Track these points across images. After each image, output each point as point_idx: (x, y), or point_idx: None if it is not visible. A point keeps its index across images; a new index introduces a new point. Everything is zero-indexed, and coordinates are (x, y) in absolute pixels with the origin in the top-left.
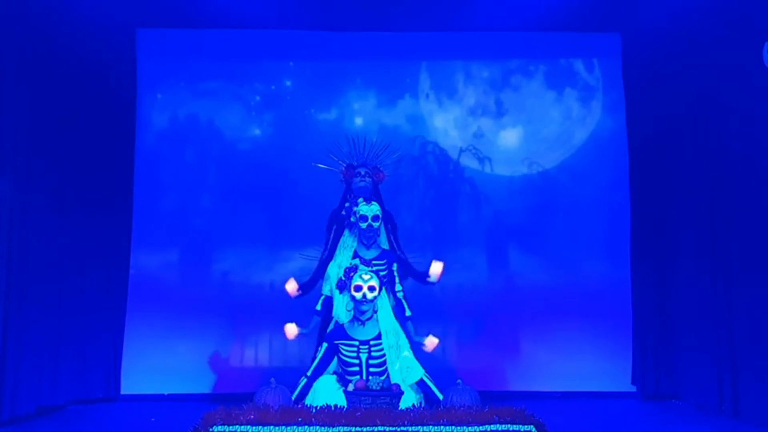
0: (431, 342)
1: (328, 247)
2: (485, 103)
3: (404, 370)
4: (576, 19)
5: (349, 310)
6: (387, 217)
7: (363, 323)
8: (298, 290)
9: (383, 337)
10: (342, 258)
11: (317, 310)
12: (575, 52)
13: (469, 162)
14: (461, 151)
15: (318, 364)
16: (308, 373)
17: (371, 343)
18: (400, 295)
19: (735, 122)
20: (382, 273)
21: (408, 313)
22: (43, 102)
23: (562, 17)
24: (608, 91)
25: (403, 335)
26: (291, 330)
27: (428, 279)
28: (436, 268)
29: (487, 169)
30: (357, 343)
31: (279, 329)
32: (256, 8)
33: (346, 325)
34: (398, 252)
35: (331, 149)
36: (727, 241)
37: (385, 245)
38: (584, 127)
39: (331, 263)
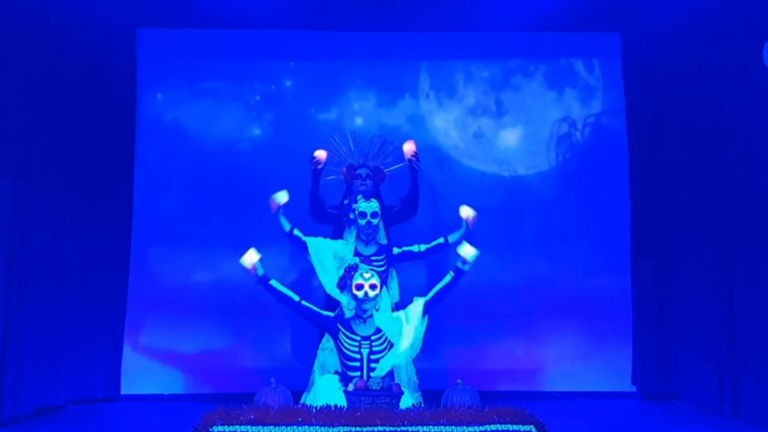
0: (466, 212)
1: (327, 209)
2: (485, 103)
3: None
4: (576, 19)
5: (350, 309)
6: (387, 214)
7: (365, 321)
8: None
9: (383, 329)
10: (341, 250)
11: (293, 228)
12: (575, 52)
13: (470, 162)
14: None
15: (313, 309)
16: (303, 301)
17: (372, 338)
18: (423, 247)
19: (735, 122)
20: (381, 269)
21: (442, 240)
22: (44, 102)
23: (562, 17)
24: (608, 91)
25: (395, 318)
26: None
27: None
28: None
29: (487, 169)
30: (359, 338)
31: (280, 329)
32: (256, 8)
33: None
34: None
35: (331, 151)
36: (727, 241)
37: (384, 241)
38: (584, 127)
39: (328, 239)
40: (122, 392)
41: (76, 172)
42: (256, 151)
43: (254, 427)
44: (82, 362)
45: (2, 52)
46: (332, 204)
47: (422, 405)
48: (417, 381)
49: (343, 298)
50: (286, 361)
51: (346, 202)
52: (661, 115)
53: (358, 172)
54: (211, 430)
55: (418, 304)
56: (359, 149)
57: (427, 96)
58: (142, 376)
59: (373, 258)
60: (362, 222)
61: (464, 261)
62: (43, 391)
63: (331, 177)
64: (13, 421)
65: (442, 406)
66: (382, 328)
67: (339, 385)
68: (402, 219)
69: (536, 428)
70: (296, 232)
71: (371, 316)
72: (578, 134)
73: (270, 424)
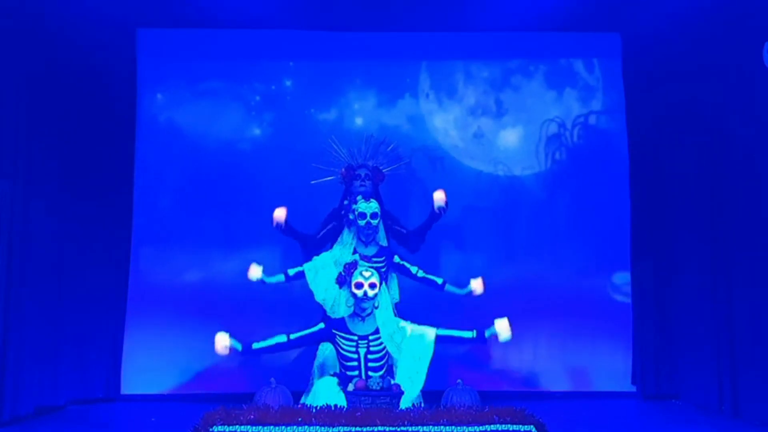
0: (477, 285)
1: (322, 233)
2: (485, 103)
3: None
4: (576, 19)
5: (349, 306)
6: (387, 216)
7: (363, 319)
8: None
9: (381, 330)
10: (341, 255)
11: (287, 273)
12: (575, 52)
13: (470, 162)
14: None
15: (305, 335)
16: (291, 336)
17: (370, 337)
18: (421, 273)
19: (735, 122)
20: (382, 270)
21: (439, 281)
22: (44, 102)
23: (562, 17)
24: (608, 91)
25: (399, 327)
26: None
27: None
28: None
29: (485, 168)
30: (356, 338)
31: (280, 330)
32: (256, 8)
33: (346, 319)
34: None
35: (330, 152)
36: (727, 241)
37: (384, 242)
38: (584, 127)
39: (324, 253)
40: (122, 392)
41: (75, 172)
42: (256, 151)
43: (254, 427)
44: (82, 362)
45: (2, 52)
46: (316, 230)
47: (422, 405)
48: None
49: (342, 309)
50: (286, 361)
51: (345, 202)
52: (661, 116)
53: (357, 172)
54: (211, 430)
55: (429, 333)
56: (357, 149)
57: (427, 96)
58: (142, 376)
59: (374, 259)
60: (362, 222)
61: (495, 335)
62: (43, 391)
63: (330, 178)
64: (13, 421)
65: (442, 406)
66: (381, 328)
67: (338, 388)
68: (399, 243)
69: (536, 428)
70: (291, 272)
71: (370, 314)
72: (578, 134)
73: (270, 424)
